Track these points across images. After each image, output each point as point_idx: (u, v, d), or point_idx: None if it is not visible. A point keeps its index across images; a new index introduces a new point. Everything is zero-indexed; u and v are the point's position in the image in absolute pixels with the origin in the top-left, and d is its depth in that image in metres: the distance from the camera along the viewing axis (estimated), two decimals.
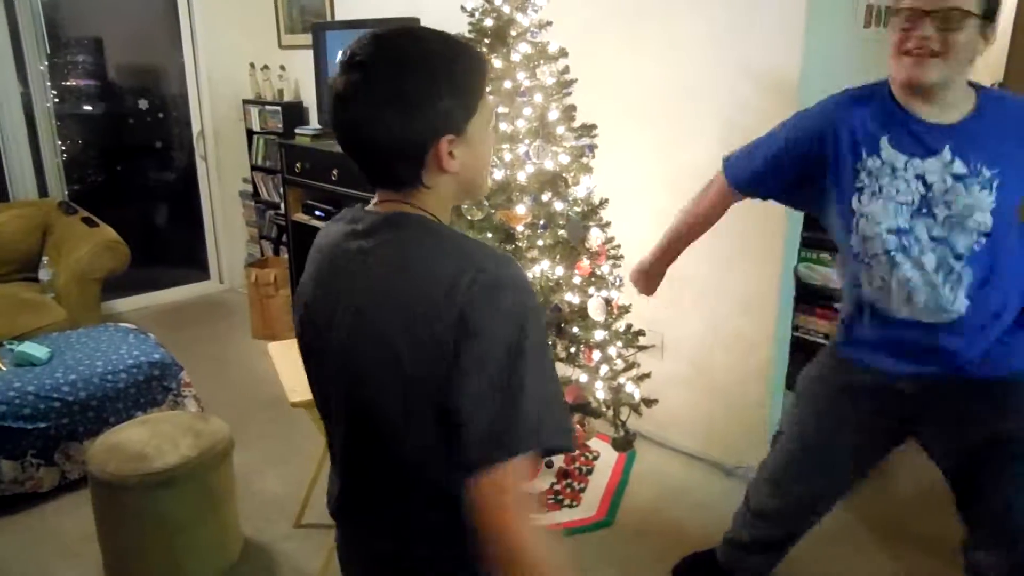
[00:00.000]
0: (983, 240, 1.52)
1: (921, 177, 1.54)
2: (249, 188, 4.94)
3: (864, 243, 1.62)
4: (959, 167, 1.51)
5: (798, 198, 1.84)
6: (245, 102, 4.77)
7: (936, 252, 1.55)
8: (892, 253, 1.58)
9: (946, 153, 1.52)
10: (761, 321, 2.73)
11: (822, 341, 2.61)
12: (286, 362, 2.49)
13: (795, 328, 2.73)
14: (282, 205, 4.36)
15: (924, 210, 1.54)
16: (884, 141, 1.57)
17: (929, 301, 1.57)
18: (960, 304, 1.56)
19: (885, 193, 1.56)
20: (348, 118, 0.97)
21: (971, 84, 1.57)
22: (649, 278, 2.14)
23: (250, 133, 4.78)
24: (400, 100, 0.93)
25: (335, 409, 1.10)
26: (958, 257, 1.54)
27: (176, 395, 3.05)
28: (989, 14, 1.45)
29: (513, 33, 2.49)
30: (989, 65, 4.06)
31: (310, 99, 4.42)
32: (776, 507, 2.01)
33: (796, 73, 2.46)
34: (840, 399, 1.83)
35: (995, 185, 1.49)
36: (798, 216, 2.63)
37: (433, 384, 0.93)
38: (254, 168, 4.82)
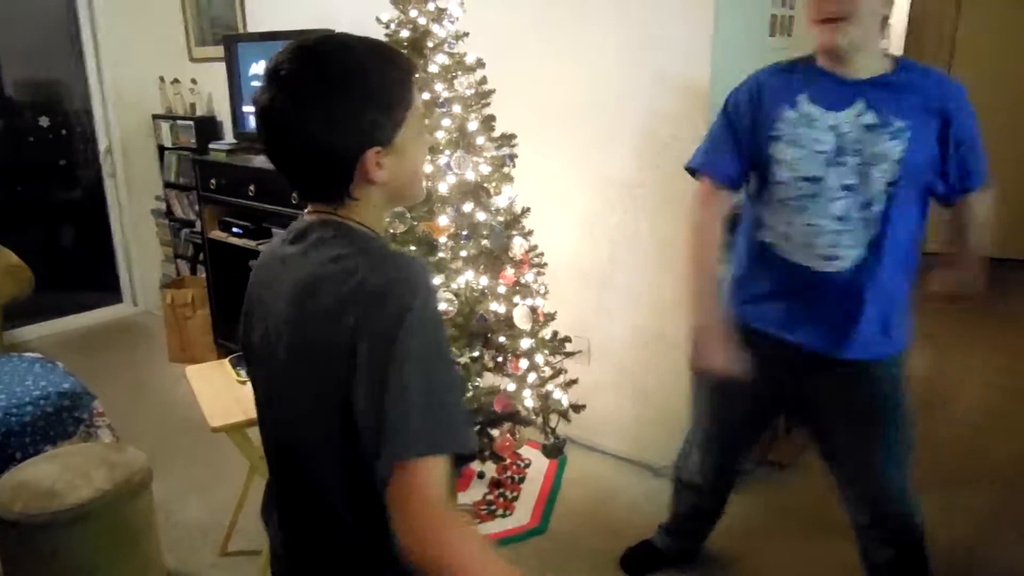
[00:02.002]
0: (889, 190, 1.61)
1: (834, 128, 1.64)
2: (162, 206, 4.76)
3: (777, 188, 1.72)
4: (870, 118, 1.61)
5: (750, 165, 1.85)
6: (155, 117, 4.60)
7: (844, 200, 1.64)
8: (803, 199, 1.68)
9: (859, 105, 1.62)
10: (683, 323, 2.78)
11: None
12: (205, 386, 2.41)
13: None
14: (198, 223, 4.22)
15: (837, 159, 1.64)
16: (802, 96, 1.68)
17: (828, 246, 1.67)
18: (856, 253, 1.66)
19: (800, 142, 1.67)
20: (274, 133, 0.96)
21: (889, 55, 1.68)
22: (719, 344, 1.83)
23: (161, 149, 4.61)
24: (326, 113, 0.93)
25: (264, 421, 1.10)
26: (864, 206, 1.64)
27: (88, 426, 2.90)
28: None
29: (430, 44, 2.48)
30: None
31: (224, 113, 4.30)
32: (702, 472, 2.17)
33: (707, 81, 2.53)
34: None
35: (905, 136, 1.59)
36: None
37: (340, 391, 0.93)
38: (167, 185, 4.66)
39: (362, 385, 0.90)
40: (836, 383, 1.81)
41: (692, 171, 1.91)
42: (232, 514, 2.53)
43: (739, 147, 1.80)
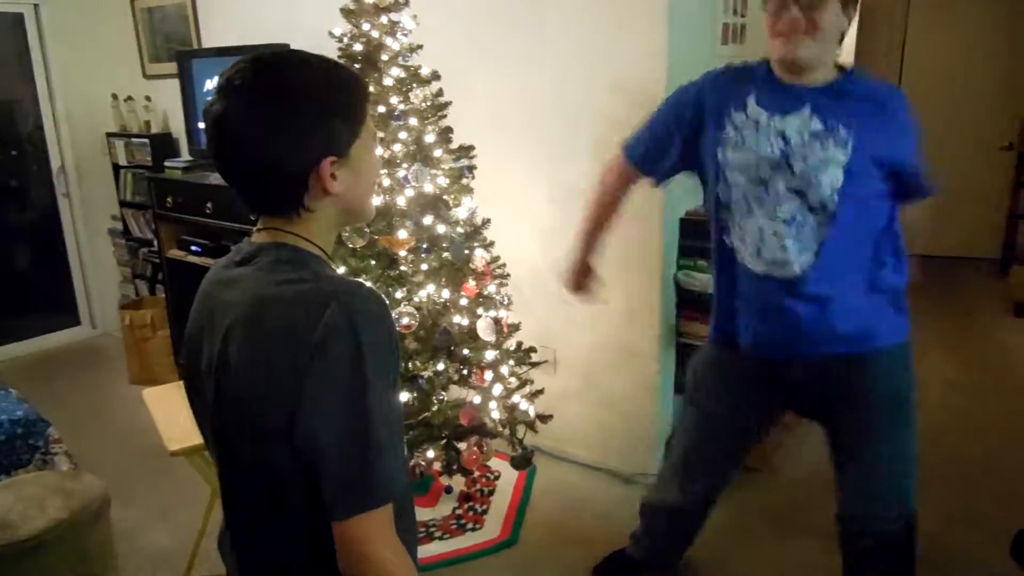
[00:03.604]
0: (836, 197, 1.63)
1: (781, 133, 1.66)
2: (119, 225, 4.68)
3: (728, 192, 1.74)
4: (816, 124, 1.63)
5: (683, 161, 1.90)
6: (109, 135, 4.53)
7: (790, 204, 1.66)
8: (750, 202, 1.70)
9: (806, 111, 1.64)
10: (646, 330, 2.81)
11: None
12: (163, 408, 2.37)
13: (679, 334, 2.82)
14: (155, 242, 4.15)
15: (783, 164, 1.66)
16: (751, 99, 1.70)
17: (776, 252, 1.69)
18: (805, 259, 1.67)
19: (747, 146, 1.69)
20: (227, 144, 0.95)
21: (839, 64, 1.71)
22: (580, 276, 2.12)
23: (117, 167, 4.54)
24: (283, 124, 0.92)
25: (215, 458, 1.07)
26: (811, 210, 1.65)
27: (44, 453, 2.82)
28: None
29: (384, 57, 2.47)
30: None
31: (179, 130, 4.24)
32: (676, 500, 2.15)
33: (663, 89, 2.54)
34: (720, 377, 1.99)
35: (850, 145, 1.61)
36: (675, 224, 2.72)
37: (285, 421, 0.91)
38: (123, 204, 4.58)
39: (304, 422, 0.90)
40: (818, 381, 1.82)
41: (620, 156, 1.98)
42: (195, 539, 2.47)
43: (667, 141, 1.85)
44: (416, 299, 2.48)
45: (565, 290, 2.15)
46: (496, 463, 2.98)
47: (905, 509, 1.88)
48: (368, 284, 1.00)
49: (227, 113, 0.93)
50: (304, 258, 1.00)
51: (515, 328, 2.71)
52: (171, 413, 2.33)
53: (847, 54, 4.64)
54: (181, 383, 2.63)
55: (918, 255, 1.82)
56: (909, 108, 1.70)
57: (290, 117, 0.92)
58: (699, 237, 2.70)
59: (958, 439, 3.20)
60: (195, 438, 2.19)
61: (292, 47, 3.24)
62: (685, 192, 2.74)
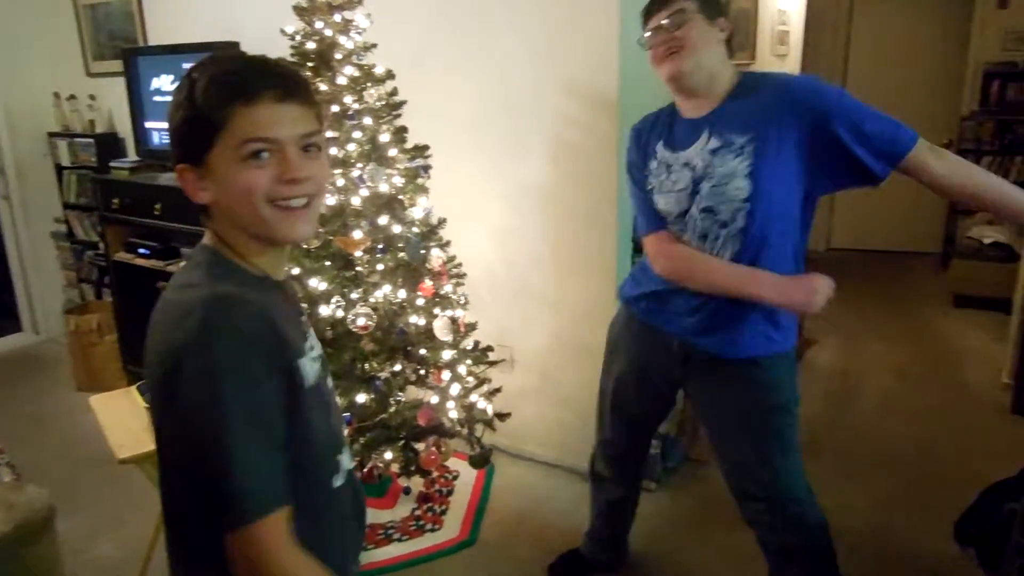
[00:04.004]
0: (745, 207, 1.67)
1: (688, 164, 1.74)
2: (62, 228, 4.54)
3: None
4: (714, 142, 1.71)
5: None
6: (51, 135, 4.39)
7: (705, 222, 1.73)
8: (680, 232, 1.80)
9: (704, 135, 1.72)
10: (601, 328, 2.82)
11: None
12: (111, 415, 2.30)
13: None
14: (101, 244, 4.04)
15: (695, 190, 1.74)
16: (659, 145, 1.81)
17: (705, 242, 1.76)
18: (727, 248, 1.73)
19: (665, 188, 1.79)
20: None
21: (738, 72, 1.77)
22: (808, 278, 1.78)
23: (60, 168, 4.40)
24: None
25: None
26: (722, 225, 1.71)
27: None
28: (711, 10, 1.71)
29: (338, 56, 2.45)
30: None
31: (126, 129, 4.13)
32: (610, 454, 2.24)
33: (615, 89, 2.58)
34: (631, 346, 2.06)
35: (748, 151, 1.66)
36: (628, 224, 2.75)
37: (168, 434, 0.93)
38: (67, 206, 4.45)
39: (168, 437, 0.91)
40: (717, 380, 1.89)
41: (643, 237, 1.94)
42: (147, 548, 2.41)
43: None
44: (372, 299, 2.46)
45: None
46: (455, 463, 2.98)
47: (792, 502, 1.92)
48: (247, 298, 0.92)
49: None
50: (217, 262, 0.98)
51: (472, 327, 2.70)
52: (120, 420, 2.28)
53: (793, 60, 4.76)
54: (130, 389, 2.59)
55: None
56: (816, 88, 1.68)
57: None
58: None
59: (898, 424, 3.31)
60: (145, 445, 2.14)
61: (242, 45, 3.22)
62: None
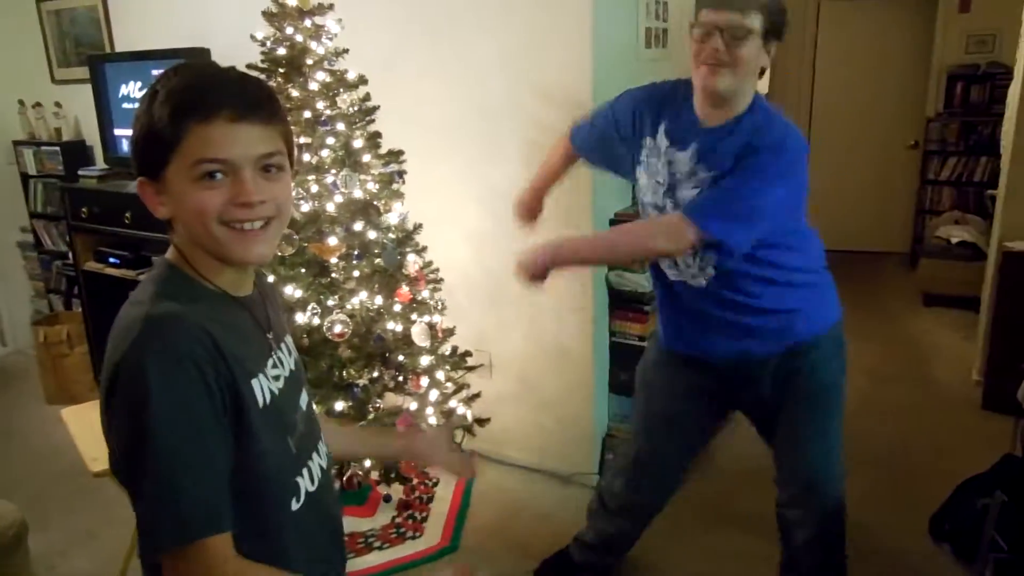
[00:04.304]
0: None
1: (671, 164, 1.77)
2: (29, 238, 4.46)
3: (642, 209, 1.89)
4: (692, 163, 1.74)
5: (614, 164, 2.02)
6: (16, 143, 4.30)
7: None
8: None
9: (692, 148, 1.74)
10: (580, 330, 2.84)
11: (638, 343, 2.75)
12: (84, 427, 2.26)
13: (612, 334, 2.86)
14: (70, 254, 3.97)
15: (670, 191, 1.77)
16: (662, 127, 1.80)
17: (682, 264, 1.82)
18: (707, 270, 1.78)
19: (649, 171, 1.81)
20: None
21: (756, 97, 1.75)
22: (532, 202, 2.17)
23: (25, 177, 4.32)
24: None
25: None
26: None
27: None
28: (771, 33, 1.65)
29: (309, 61, 2.43)
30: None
31: (93, 137, 4.07)
32: (630, 499, 2.19)
33: (588, 93, 2.59)
34: (665, 377, 2.05)
35: (705, 185, 1.71)
36: (605, 226, 2.76)
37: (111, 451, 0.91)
38: (33, 216, 4.36)
39: (110, 455, 0.89)
40: (747, 379, 1.91)
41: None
42: (123, 562, 2.37)
43: (607, 141, 1.95)
44: (349, 306, 2.44)
45: (515, 215, 2.19)
46: (434, 469, 2.96)
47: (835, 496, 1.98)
48: (186, 316, 0.89)
49: None
50: (170, 279, 0.96)
51: (450, 333, 2.70)
52: (92, 432, 2.23)
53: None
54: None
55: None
56: (778, 154, 1.66)
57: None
58: None
59: (871, 423, 3.35)
60: None
61: (212, 51, 3.18)
62: (615, 193, 2.79)
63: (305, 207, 2.40)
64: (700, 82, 1.68)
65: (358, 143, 2.48)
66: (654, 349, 2.12)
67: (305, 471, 1.04)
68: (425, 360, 2.54)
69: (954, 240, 4.93)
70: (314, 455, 1.08)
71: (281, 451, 0.99)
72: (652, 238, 1.73)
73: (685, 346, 1.95)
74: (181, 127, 0.89)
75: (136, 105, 0.95)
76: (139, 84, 3.44)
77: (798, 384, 1.87)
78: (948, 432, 3.28)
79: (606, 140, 1.95)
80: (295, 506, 1.01)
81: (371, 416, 2.46)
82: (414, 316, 2.56)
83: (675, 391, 2.04)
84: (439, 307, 2.66)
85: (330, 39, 2.47)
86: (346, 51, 2.50)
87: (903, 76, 5.79)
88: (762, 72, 1.72)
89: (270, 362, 1.01)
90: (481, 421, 2.70)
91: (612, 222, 2.77)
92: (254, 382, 0.95)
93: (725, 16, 1.60)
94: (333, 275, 2.45)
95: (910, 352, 4.20)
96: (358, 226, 2.46)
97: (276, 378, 1.01)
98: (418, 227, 2.64)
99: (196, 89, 0.90)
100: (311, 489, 1.05)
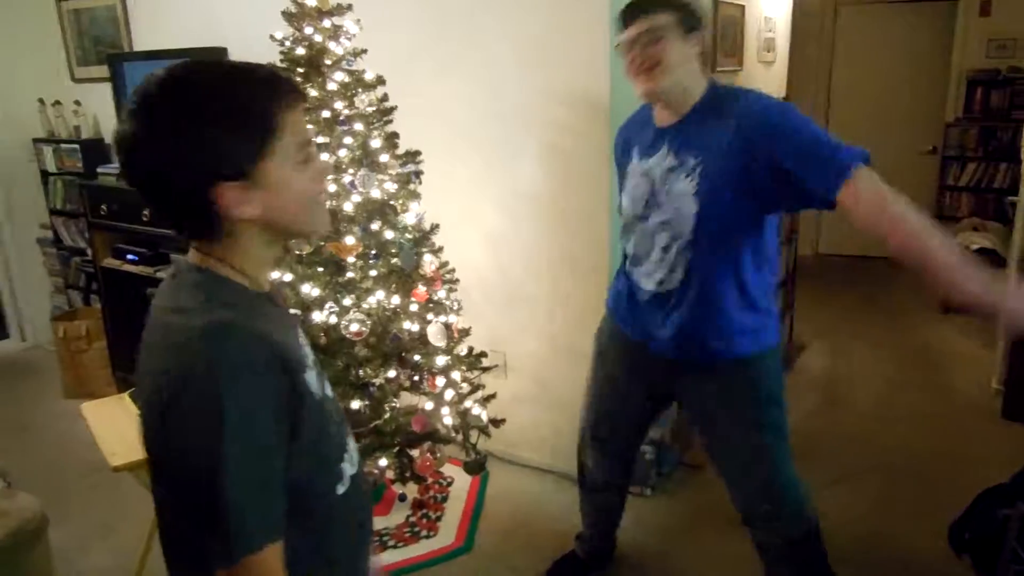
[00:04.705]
0: (693, 222, 1.73)
1: (647, 174, 1.81)
2: (49, 234, 4.50)
3: (626, 230, 1.94)
4: (671, 160, 1.77)
5: None
6: (36, 141, 4.35)
7: (663, 234, 1.80)
8: (633, 234, 1.89)
9: (664, 149, 1.78)
10: (593, 332, 2.83)
11: None
12: (103, 422, 2.28)
13: None
14: (89, 251, 4.01)
15: (652, 201, 1.81)
16: (635, 149, 1.89)
17: (656, 275, 1.84)
18: (677, 277, 1.80)
19: (629, 189, 1.87)
20: (127, 165, 0.90)
21: (714, 85, 1.79)
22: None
23: (45, 174, 4.36)
24: (173, 144, 0.86)
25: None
26: (676, 238, 1.77)
27: None
28: (689, 26, 1.72)
29: (327, 62, 2.44)
30: (775, 80, 4.50)
31: (112, 135, 4.11)
32: (597, 457, 2.24)
33: (607, 96, 2.58)
34: (615, 354, 2.09)
35: (698, 171, 1.71)
36: (618, 229, 2.75)
37: (157, 460, 0.90)
38: (53, 212, 4.41)
39: (163, 467, 0.88)
40: (694, 383, 1.94)
41: None
42: (139, 557, 2.39)
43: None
44: (365, 305, 2.45)
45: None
46: (449, 469, 2.97)
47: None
48: (247, 324, 0.89)
49: (124, 133, 0.88)
50: (214, 284, 0.94)
51: (466, 333, 2.70)
52: (112, 427, 2.25)
53: (779, 67, 4.80)
54: (123, 396, 2.56)
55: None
56: (772, 117, 1.65)
57: (176, 144, 0.86)
58: None
59: (889, 430, 3.33)
60: (139, 452, 2.12)
61: (229, 51, 3.20)
62: None
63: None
64: (640, 92, 1.75)
65: (376, 143, 2.49)
66: (608, 318, 2.14)
67: (346, 455, 1.06)
68: (441, 360, 2.55)
69: (973, 247, 4.88)
70: (348, 438, 1.10)
71: (328, 438, 1.01)
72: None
73: (637, 333, 1.97)
74: (279, 115, 0.90)
75: (174, 120, 0.87)
76: None
77: (743, 394, 1.87)
78: (967, 441, 3.24)
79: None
80: (340, 490, 1.02)
81: (386, 415, 2.46)
82: (430, 316, 2.56)
83: (628, 364, 2.05)
84: (455, 307, 2.67)
85: (349, 39, 2.49)
86: (364, 51, 2.51)
87: (921, 80, 5.74)
88: (705, 61, 1.80)
89: (304, 353, 1.02)
90: (496, 422, 2.70)
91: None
92: (307, 374, 0.96)
93: (634, 29, 1.70)
94: (350, 274, 2.46)
95: (928, 359, 4.16)
96: (375, 226, 2.47)
97: (313, 365, 1.02)
98: (435, 227, 2.64)
99: (277, 78, 0.92)
100: (353, 472, 1.06)
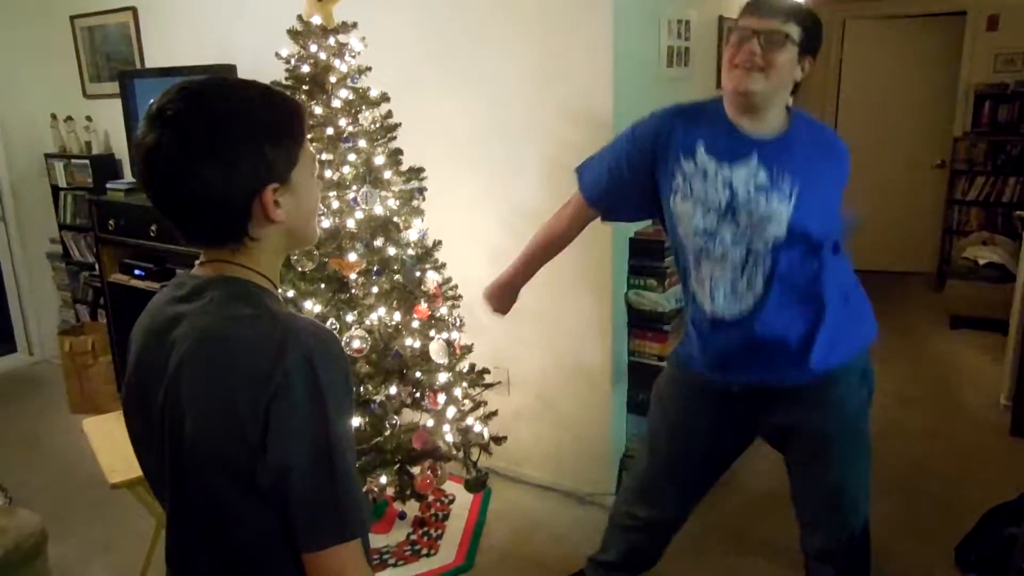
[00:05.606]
0: (776, 246, 1.66)
1: (729, 184, 1.67)
2: (58, 249, 4.54)
3: (682, 240, 1.77)
4: (763, 178, 1.65)
5: (640, 207, 1.92)
6: (48, 156, 4.39)
7: (737, 254, 1.69)
8: (700, 252, 1.74)
9: (753, 162, 1.66)
10: (599, 349, 2.82)
11: (657, 363, 2.73)
12: (104, 439, 2.29)
13: (631, 353, 2.84)
14: (97, 265, 4.03)
15: (729, 215, 1.68)
16: (700, 146, 1.71)
17: (728, 299, 1.73)
18: (752, 303, 1.71)
19: (695, 196, 1.71)
20: (161, 175, 0.93)
21: (789, 109, 1.74)
22: (503, 296, 2.15)
23: (56, 189, 4.41)
24: (221, 153, 0.91)
25: (164, 495, 1.04)
26: (754, 260, 1.69)
27: None
28: (807, 48, 1.66)
29: (332, 79, 2.46)
30: None
31: (122, 151, 4.15)
32: (647, 514, 2.10)
33: (610, 113, 2.59)
34: (687, 399, 1.97)
35: (793, 196, 1.64)
36: (624, 245, 2.75)
37: (243, 460, 0.90)
38: (63, 227, 4.44)
39: (272, 459, 0.89)
40: (773, 411, 1.85)
41: (577, 173, 1.97)
42: (139, 574, 2.39)
43: (625, 183, 1.84)
44: (367, 322, 2.45)
45: (486, 301, 2.17)
46: (450, 486, 2.95)
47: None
48: (319, 323, 0.99)
49: (158, 145, 0.91)
50: (254, 292, 0.99)
51: (468, 350, 2.70)
52: (113, 444, 2.26)
53: None
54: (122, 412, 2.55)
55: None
56: (848, 158, 1.74)
57: (224, 146, 0.91)
58: (649, 257, 2.74)
59: (897, 446, 3.30)
60: (138, 469, 2.12)
61: (238, 68, 3.23)
62: None
63: (326, 223, 2.41)
64: (732, 84, 1.65)
65: (379, 160, 2.50)
66: (672, 366, 2.05)
67: None
68: (443, 377, 2.54)
69: (982, 261, 4.84)
70: None
71: None
72: None
73: (726, 375, 1.85)
74: (304, 125, 1.00)
75: (226, 132, 0.92)
76: None
77: (826, 415, 1.81)
78: (975, 458, 3.21)
79: (624, 180, 1.85)
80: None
81: (387, 432, 2.46)
82: (432, 333, 2.56)
83: (696, 407, 1.96)
84: (457, 324, 2.66)
85: (353, 57, 2.50)
86: (369, 69, 2.52)
87: (929, 95, 5.73)
88: (796, 89, 1.71)
89: None
90: (498, 439, 2.69)
91: (632, 241, 2.77)
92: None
93: (764, 22, 1.62)
94: (352, 291, 2.46)
95: (936, 375, 4.13)
96: (378, 242, 2.47)
97: None
98: (437, 244, 2.64)
99: (291, 94, 1.02)
100: None
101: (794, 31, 1.62)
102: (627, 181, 1.84)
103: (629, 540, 2.20)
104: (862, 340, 1.84)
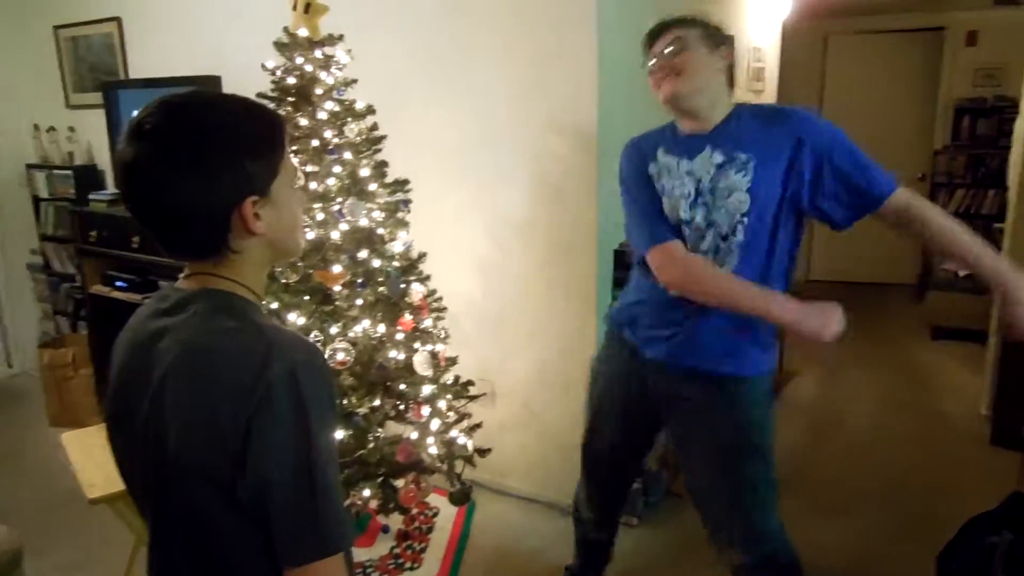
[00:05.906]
0: (745, 220, 1.71)
1: (691, 173, 1.77)
2: (39, 260, 4.49)
3: (683, 236, 1.83)
4: (718, 157, 1.74)
5: None
6: (29, 166, 4.36)
7: (708, 235, 1.76)
8: (689, 243, 1.80)
9: (707, 150, 1.76)
10: (583, 360, 2.81)
11: None
12: (83, 453, 2.26)
13: None
14: (78, 277, 3.99)
15: (698, 200, 1.76)
16: (660, 150, 1.85)
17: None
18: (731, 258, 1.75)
19: (668, 192, 1.80)
20: (142, 188, 0.93)
21: (735, 104, 1.81)
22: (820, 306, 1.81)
23: (37, 200, 4.37)
24: (201, 166, 0.91)
25: (147, 509, 1.03)
26: (724, 238, 1.74)
27: None
28: (716, 40, 1.78)
29: (318, 91, 2.45)
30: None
31: (105, 162, 4.12)
32: (588, 494, 2.23)
33: (594, 124, 2.60)
34: (620, 369, 2.01)
35: (751, 167, 1.70)
36: (608, 257, 2.76)
37: (226, 474, 0.89)
38: (44, 238, 4.40)
39: (253, 473, 0.89)
40: (689, 402, 1.87)
41: (650, 250, 1.85)
42: None
43: (657, 206, 1.84)
44: (351, 334, 2.44)
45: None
46: (434, 499, 2.94)
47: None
48: (303, 336, 1.00)
49: (138, 157, 0.91)
50: (238, 305, 0.99)
51: (452, 362, 2.69)
52: (91, 458, 2.23)
53: (769, 96, 4.85)
54: (103, 426, 2.53)
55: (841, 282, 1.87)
56: (812, 120, 1.73)
57: (204, 159, 0.92)
58: (629, 268, 2.74)
59: (877, 456, 3.32)
60: (117, 484, 2.10)
61: (223, 80, 3.22)
62: (619, 225, 2.79)
63: (310, 235, 2.40)
64: (663, 96, 1.76)
65: (365, 172, 2.49)
66: (607, 341, 2.07)
67: None
68: (427, 389, 2.53)
69: (962, 273, 4.90)
70: None
71: None
72: None
73: (662, 354, 1.87)
74: (284, 140, 1.00)
75: (206, 145, 0.92)
76: None
77: (741, 412, 1.82)
78: (956, 467, 3.23)
79: (655, 202, 1.84)
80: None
81: (371, 445, 2.44)
82: (417, 344, 2.55)
83: (630, 388, 2.00)
84: (442, 336, 2.66)
85: (340, 69, 2.50)
86: (355, 81, 2.52)
87: (910, 109, 5.81)
88: (731, 76, 1.81)
89: None
90: (482, 452, 2.68)
91: (617, 253, 2.78)
92: None
93: (660, 42, 1.77)
94: (336, 303, 2.45)
95: (918, 386, 4.16)
96: (363, 254, 2.46)
97: None
98: (422, 256, 2.64)
99: (272, 108, 1.03)
100: None
101: (690, 33, 1.75)
102: (658, 205, 1.84)
103: (585, 531, 2.33)
104: (769, 363, 1.89)
